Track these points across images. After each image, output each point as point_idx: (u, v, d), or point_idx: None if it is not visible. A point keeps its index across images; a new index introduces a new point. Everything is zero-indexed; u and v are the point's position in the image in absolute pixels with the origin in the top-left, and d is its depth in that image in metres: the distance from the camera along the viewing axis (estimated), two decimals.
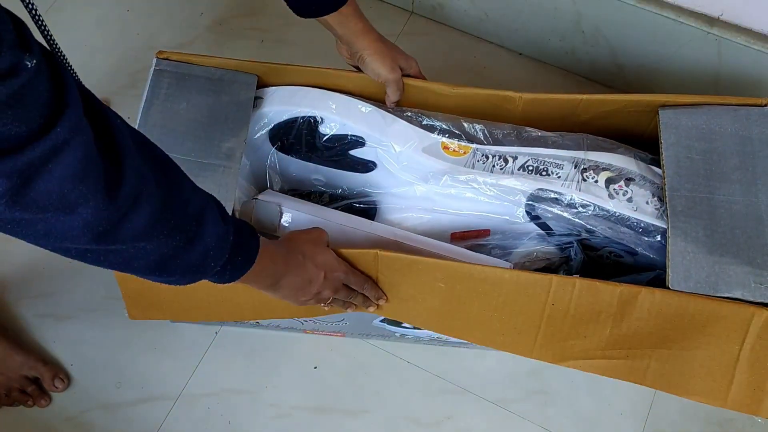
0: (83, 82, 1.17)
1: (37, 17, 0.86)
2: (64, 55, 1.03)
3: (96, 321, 1.07)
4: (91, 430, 1.02)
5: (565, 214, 0.86)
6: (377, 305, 0.85)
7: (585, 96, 0.89)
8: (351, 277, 0.81)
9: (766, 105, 0.86)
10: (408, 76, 0.92)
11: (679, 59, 1.09)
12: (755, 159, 0.82)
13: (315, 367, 1.04)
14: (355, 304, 0.84)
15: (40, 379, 1.03)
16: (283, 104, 0.91)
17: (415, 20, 1.30)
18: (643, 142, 0.92)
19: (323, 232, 0.81)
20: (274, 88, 0.93)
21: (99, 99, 0.52)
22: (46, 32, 0.86)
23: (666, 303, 0.76)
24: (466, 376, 1.03)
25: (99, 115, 0.51)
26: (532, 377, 1.03)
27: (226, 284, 0.67)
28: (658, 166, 0.86)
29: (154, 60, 0.91)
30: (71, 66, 1.05)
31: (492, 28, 1.25)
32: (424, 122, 0.92)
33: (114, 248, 0.54)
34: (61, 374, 1.03)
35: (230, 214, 0.83)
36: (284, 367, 1.04)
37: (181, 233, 0.58)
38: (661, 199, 0.84)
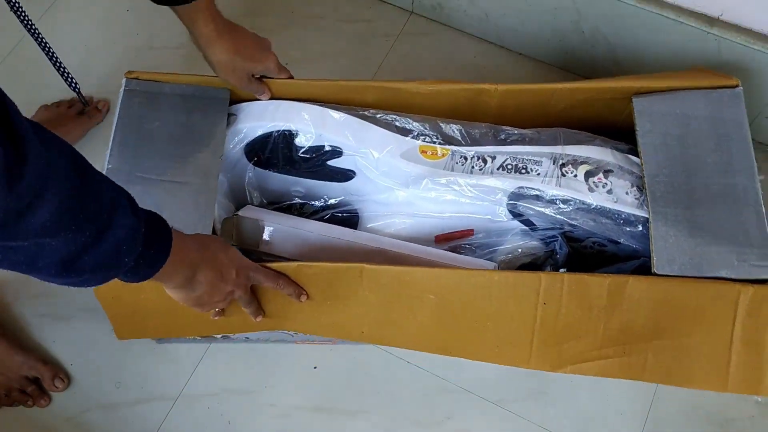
0: (83, 82, 1.18)
1: (20, 12, 0.84)
2: (52, 51, 1.02)
3: (96, 321, 1.07)
4: (91, 430, 1.02)
5: (547, 211, 0.86)
6: (300, 301, 0.83)
7: (560, 85, 0.90)
8: (260, 275, 0.78)
9: (737, 86, 0.87)
10: (270, 77, 0.90)
11: (679, 59, 1.09)
12: (729, 141, 0.84)
13: (315, 367, 1.04)
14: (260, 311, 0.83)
15: (40, 379, 1.03)
16: (257, 119, 0.90)
17: (415, 20, 1.30)
18: (618, 129, 0.93)
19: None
20: (246, 103, 0.91)
21: None
22: (28, 24, 0.84)
23: (654, 290, 0.77)
24: (466, 376, 1.03)
25: None
26: (531, 377, 1.03)
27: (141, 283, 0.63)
28: (635, 155, 0.87)
29: (124, 80, 0.89)
30: (61, 61, 1.05)
31: (492, 28, 1.25)
32: (400, 125, 0.91)
33: (14, 245, 0.50)
34: (61, 374, 1.03)
35: (211, 232, 0.82)
36: (284, 366, 1.04)
37: (90, 227, 0.53)
38: (641, 189, 0.85)
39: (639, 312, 0.78)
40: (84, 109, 1.20)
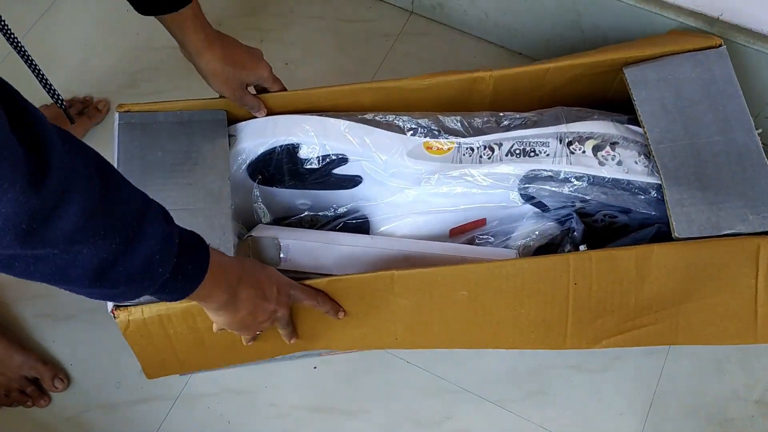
0: (83, 82, 1.17)
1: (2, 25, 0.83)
2: (25, 51, 1.01)
3: (96, 321, 1.07)
4: (91, 430, 1.02)
5: (563, 190, 0.88)
6: (338, 318, 0.81)
7: (551, 64, 0.92)
8: (300, 293, 0.77)
9: (720, 45, 0.90)
10: (264, 90, 0.89)
11: None
12: (723, 98, 0.87)
13: (315, 367, 1.04)
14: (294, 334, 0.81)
15: (39, 379, 1.03)
16: (257, 137, 0.89)
17: (415, 20, 1.30)
18: (609, 101, 0.95)
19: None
20: (244, 123, 0.90)
21: (11, 86, 0.45)
22: (12, 39, 0.84)
23: (678, 254, 0.79)
24: (466, 376, 1.03)
25: (11, 99, 0.44)
26: (531, 377, 1.03)
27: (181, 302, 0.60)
28: (634, 124, 0.89)
29: (117, 115, 0.88)
30: (35, 62, 1.04)
31: (492, 28, 1.25)
32: (401, 124, 0.91)
33: (44, 253, 0.48)
34: (61, 374, 1.03)
35: (232, 255, 0.80)
36: (284, 367, 1.04)
37: (120, 233, 0.52)
38: (648, 156, 0.87)
39: (667, 279, 0.80)
40: (83, 109, 1.20)
